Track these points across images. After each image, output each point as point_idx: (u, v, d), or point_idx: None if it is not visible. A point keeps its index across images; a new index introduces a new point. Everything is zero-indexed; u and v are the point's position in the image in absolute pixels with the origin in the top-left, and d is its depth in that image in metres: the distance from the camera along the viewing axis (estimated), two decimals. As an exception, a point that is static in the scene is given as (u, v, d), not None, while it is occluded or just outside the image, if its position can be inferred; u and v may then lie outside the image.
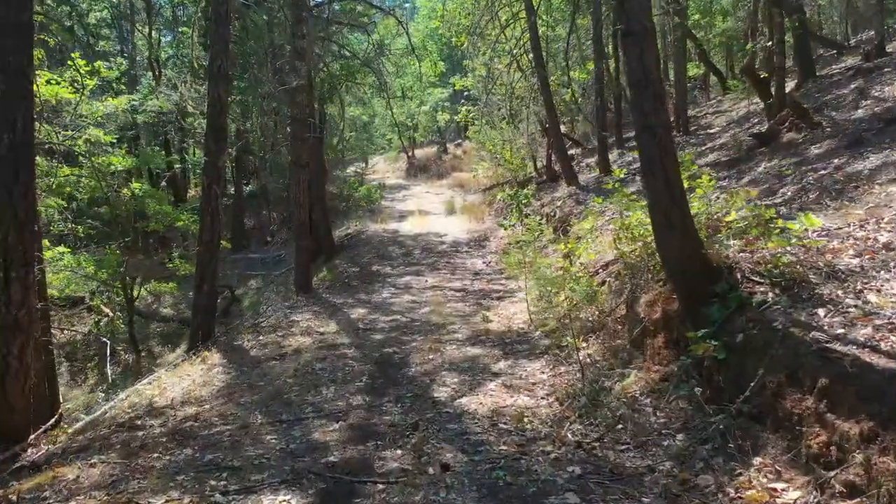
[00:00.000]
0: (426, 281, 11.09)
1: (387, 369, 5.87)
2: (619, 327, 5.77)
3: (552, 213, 13.11)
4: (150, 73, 21.50)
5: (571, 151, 18.05)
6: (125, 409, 5.52)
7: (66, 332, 13.75)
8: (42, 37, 11.05)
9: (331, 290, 11.18)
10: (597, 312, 6.29)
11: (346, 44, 16.28)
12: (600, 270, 7.40)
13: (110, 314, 14.09)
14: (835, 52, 17.65)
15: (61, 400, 10.51)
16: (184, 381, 6.06)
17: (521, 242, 11.70)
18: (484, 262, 12.53)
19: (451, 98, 31.14)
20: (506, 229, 14.64)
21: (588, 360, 5.29)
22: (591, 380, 4.64)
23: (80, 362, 13.36)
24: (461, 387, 5.19)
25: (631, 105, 4.53)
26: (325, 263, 13.96)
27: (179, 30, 20.08)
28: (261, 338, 7.61)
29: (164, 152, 21.98)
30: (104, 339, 12.70)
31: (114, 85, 21.34)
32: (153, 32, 21.07)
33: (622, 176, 13.00)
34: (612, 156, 15.03)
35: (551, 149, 16.31)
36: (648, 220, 6.16)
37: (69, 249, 11.27)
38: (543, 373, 5.43)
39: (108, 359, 12.20)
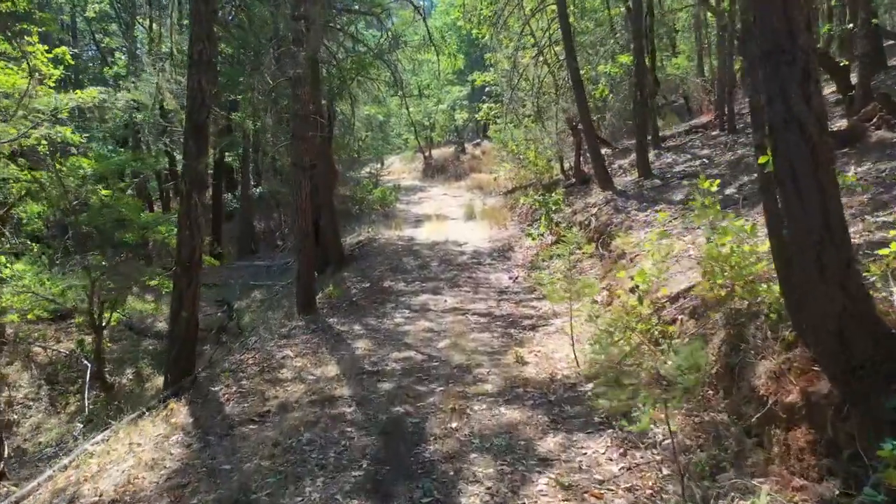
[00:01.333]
0: (445, 301, 9.62)
1: (397, 446, 4.37)
2: (712, 392, 4.27)
3: (586, 222, 11.55)
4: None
5: (602, 152, 16.47)
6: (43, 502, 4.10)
7: (48, 351, 12.47)
8: (25, 25, 9.83)
9: (336, 310, 9.76)
10: (672, 365, 4.78)
11: (361, 38, 14.86)
12: (667, 304, 5.87)
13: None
14: (893, 42, 16.08)
15: (5, 449, 9.25)
16: (130, 455, 4.63)
17: (553, 257, 10.19)
18: (510, 278, 11.01)
19: (470, 96, 29.81)
20: (533, 239, 13.05)
21: (675, 443, 3.78)
22: (699, 497, 3.10)
23: (61, 385, 12.04)
24: (498, 485, 3.70)
25: (762, 86, 3.00)
26: (332, 276, 12.58)
27: (183, 22, 18.85)
28: (243, 383, 6.13)
29: (169, 154, 20.70)
30: (86, 362, 11.44)
31: (121, 83, 20.17)
32: (154, 25, 19.82)
33: (659, 181, 11.59)
34: (648, 156, 13.44)
35: (581, 149, 14.77)
36: (743, 246, 4.69)
37: (30, 267, 9.84)
38: (611, 460, 3.93)
39: (88, 384, 10.92)
